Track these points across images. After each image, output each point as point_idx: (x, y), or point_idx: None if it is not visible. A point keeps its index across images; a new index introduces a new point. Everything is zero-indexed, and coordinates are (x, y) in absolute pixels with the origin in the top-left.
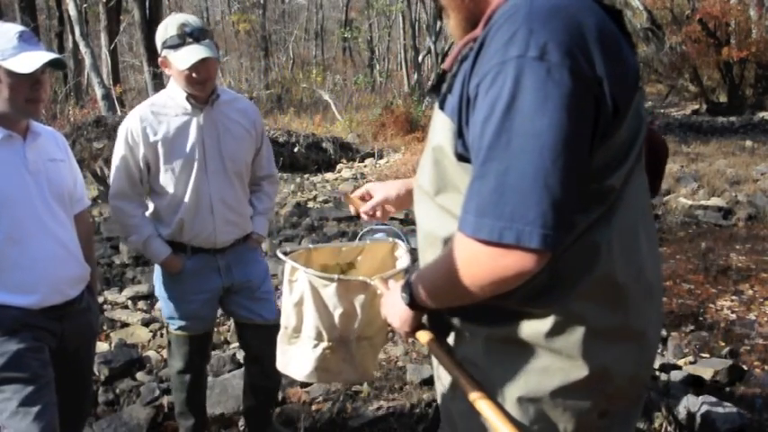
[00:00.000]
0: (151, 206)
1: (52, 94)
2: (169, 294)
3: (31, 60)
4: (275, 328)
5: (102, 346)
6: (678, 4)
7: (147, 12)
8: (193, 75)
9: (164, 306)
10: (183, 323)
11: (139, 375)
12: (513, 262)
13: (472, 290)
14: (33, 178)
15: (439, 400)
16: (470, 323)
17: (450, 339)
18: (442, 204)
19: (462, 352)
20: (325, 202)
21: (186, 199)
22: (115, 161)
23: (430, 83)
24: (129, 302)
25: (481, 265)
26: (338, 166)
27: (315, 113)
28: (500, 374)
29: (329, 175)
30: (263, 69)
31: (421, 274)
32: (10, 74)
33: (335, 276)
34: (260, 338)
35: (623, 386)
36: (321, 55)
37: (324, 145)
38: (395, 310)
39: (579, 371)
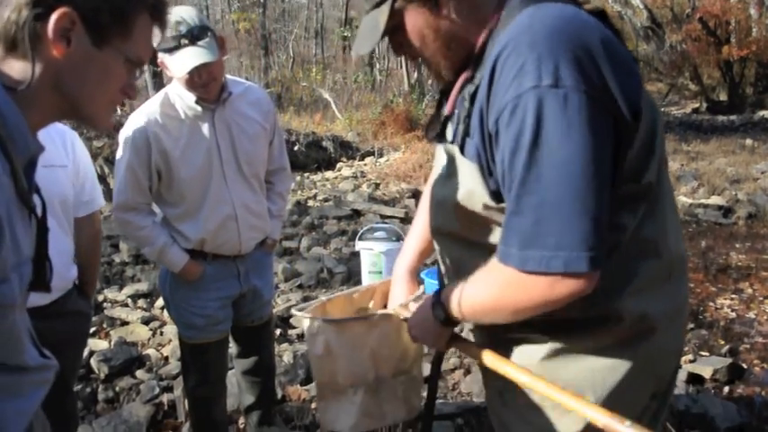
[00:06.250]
0: (160, 215)
1: None
2: (184, 301)
3: None
4: (268, 324)
5: (101, 344)
6: (678, 2)
7: None
8: (195, 78)
9: (176, 314)
10: (199, 331)
11: (139, 373)
12: (563, 287)
13: (520, 313)
14: None
15: (489, 409)
16: (535, 336)
17: (509, 354)
18: (468, 237)
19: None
20: (326, 200)
21: (206, 209)
22: (120, 169)
23: (430, 130)
24: (129, 300)
25: (530, 293)
26: (338, 165)
27: (315, 112)
28: (567, 377)
29: (329, 174)
30: (262, 68)
31: (456, 294)
32: None
33: (353, 317)
34: (254, 336)
35: (671, 365)
36: (321, 53)
37: (324, 143)
38: (426, 328)
39: (640, 360)
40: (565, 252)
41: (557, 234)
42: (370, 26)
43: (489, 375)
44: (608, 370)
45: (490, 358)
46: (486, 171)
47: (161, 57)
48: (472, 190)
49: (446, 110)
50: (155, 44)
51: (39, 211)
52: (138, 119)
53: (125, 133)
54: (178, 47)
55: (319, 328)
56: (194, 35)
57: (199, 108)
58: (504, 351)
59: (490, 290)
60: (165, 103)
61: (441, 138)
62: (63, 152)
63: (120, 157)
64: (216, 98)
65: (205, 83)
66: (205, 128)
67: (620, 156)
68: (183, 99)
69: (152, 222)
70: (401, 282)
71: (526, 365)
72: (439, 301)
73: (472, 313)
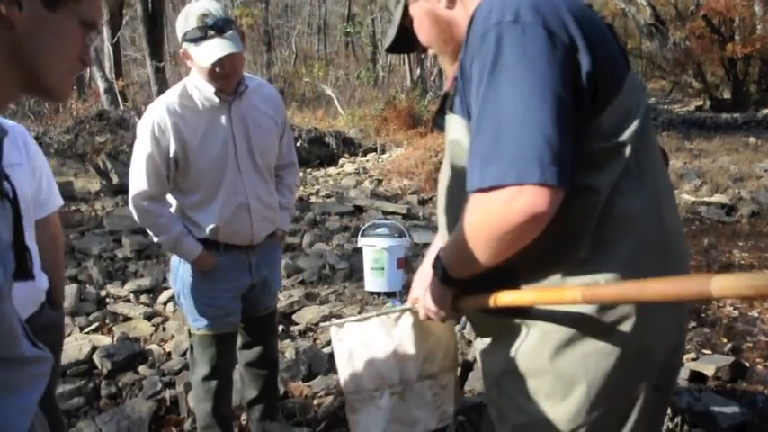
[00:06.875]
0: (174, 204)
1: None
2: (196, 292)
3: None
4: (273, 314)
5: (104, 340)
6: None
7: (150, 6)
8: (217, 70)
9: (187, 305)
10: (210, 322)
11: (142, 369)
12: (520, 202)
13: (494, 243)
14: None
15: (487, 401)
16: (535, 320)
17: (509, 344)
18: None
19: (518, 344)
20: (328, 196)
21: (221, 198)
22: (139, 158)
23: (435, 113)
24: (132, 296)
25: (492, 212)
26: (340, 161)
27: (317, 108)
28: (559, 366)
29: (331, 170)
30: (265, 64)
31: (445, 246)
32: None
33: (374, 313)
34: (260, 326)
35: (669, 355)
36: (324, 49)
37: (326, 140)
38: (431, 292)
39: (632, 343)
40: (518, 164)
41: (511, 148)
42: (393, 21)
43: (487, 363)
44: (599, 355)
45: (504, 296)
46: (467, 117)
47: (185, 47)
48: (459, 140)
49: (446, 86)
50: (179, 35)
51: (11, 195)
52: (157, 109)
53: (145, 123)
54: (204, 37)
55: (343, 334)
56: (220, 27)
57: (217, 100)
58: (501, 342)
59: (464, 226)
60: (184, 94)
61: (441, 118)
62: (16, 150)
63: (139, 146)
64: (234, 90)
65: (227, 74)
66: (222, 119)
67: (581, 103)
68: (202, 91)
69: (169, 212)
70: (424, 280)
71: (522, 354)
72: (438, 258)
73: (459, 257)
